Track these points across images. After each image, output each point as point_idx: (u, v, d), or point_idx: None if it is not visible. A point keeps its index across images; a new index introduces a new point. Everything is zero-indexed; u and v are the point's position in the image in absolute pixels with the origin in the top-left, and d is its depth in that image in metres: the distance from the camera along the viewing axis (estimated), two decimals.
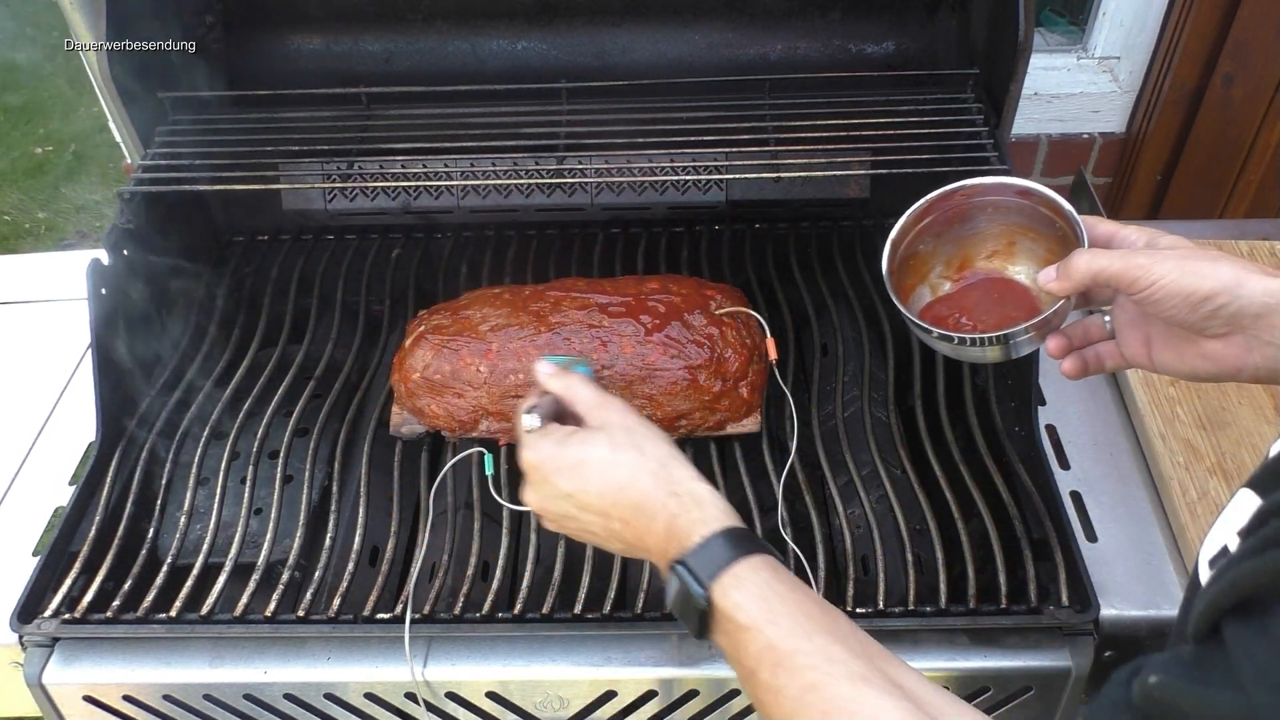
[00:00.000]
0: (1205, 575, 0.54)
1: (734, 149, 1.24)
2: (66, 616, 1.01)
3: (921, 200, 0.88)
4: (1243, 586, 0.47)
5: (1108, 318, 0.84)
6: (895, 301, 0.87)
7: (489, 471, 1.11)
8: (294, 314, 1.35)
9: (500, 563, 1.04)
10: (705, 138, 1.23)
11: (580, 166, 1.28)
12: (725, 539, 0.72)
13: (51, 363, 1.38)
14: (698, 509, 0.75)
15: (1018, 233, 0.90)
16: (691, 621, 0.72)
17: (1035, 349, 0.86)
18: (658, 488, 0.76)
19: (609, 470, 0.78)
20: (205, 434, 1.17)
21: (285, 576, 1.03)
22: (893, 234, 0.89)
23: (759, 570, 0.70)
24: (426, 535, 1.07)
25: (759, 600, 0.68)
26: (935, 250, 0.92)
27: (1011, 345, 0.84)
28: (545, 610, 1.00)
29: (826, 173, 1.22)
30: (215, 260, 1.45)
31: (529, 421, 0.85)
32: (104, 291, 1.17)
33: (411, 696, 1.01)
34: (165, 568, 1.05)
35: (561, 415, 0.88)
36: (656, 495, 0.76)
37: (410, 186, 1.40)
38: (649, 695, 1.01)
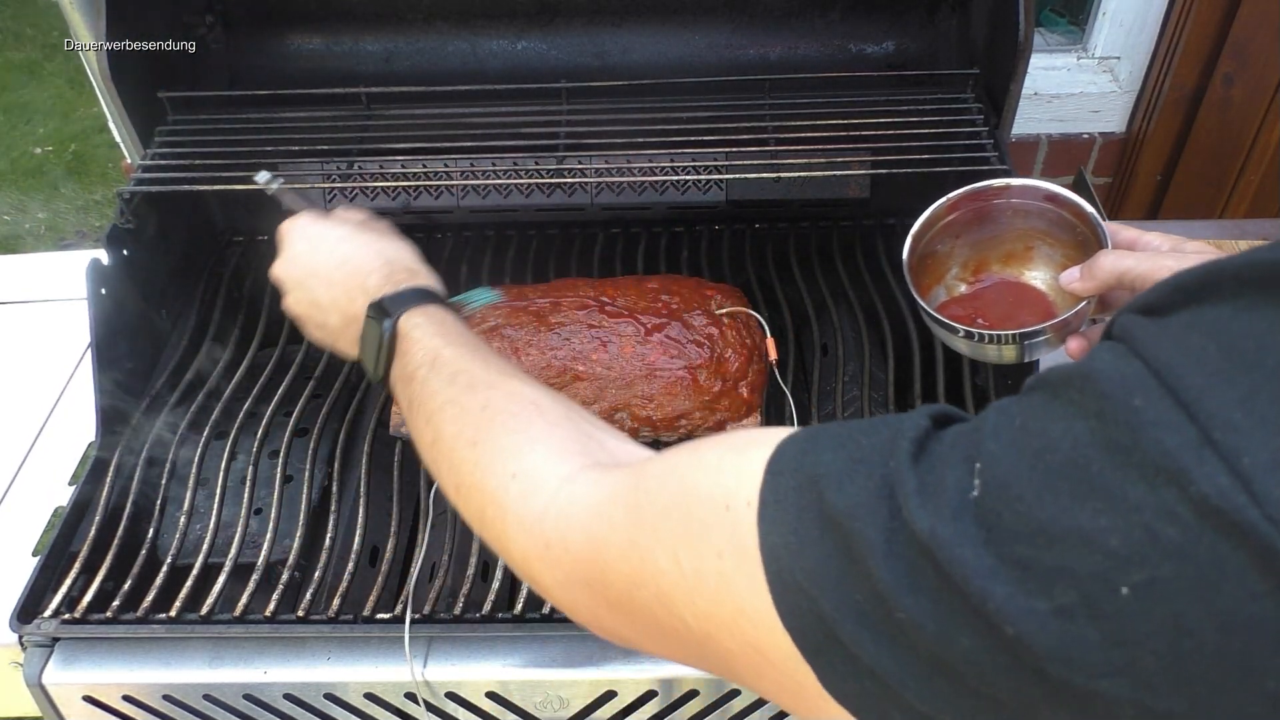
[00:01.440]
0: None
1: (734, 149, 1.24)
2: (66, 617, 1.01)
3: (949, 195, 0.88)
4: (1157, 290, 0.38)
5: None
6: (915, 296, 0.87)
7: None
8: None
9: (501, 563, 1.04)
10: (705, 138, 1.23)
11: (580, 166, 1.28)
12: (424, 292, 0.79)
13: (51, 363, 1.38)
14: (409, 275, 0.82)
15: (1035, 237, 0.90)
16: (373, 360, 0.77)
17: (1051, 352, 0.86)
18: (379, 259, 0.84)
19: (344, 242, 0.88)
20: (205, 434, 1.17)
21: (285, 576, 1.03)
22: (915, 227, 0.88)
23: (448, 312, 0.77)
24: (426, 535, 1.07)
25: (437, 324, 0.74)
26: (952, 251, 0.91)
27: (1030, 346, 0.83)
28: (545, 610, 1.00)
29: (826, 173, 1.22)
30: (215, 260, 1.45)
31: (263, 178, 1.00)
32: (104, 291, 1.17)
33: (411, 696, 1.01)
34: (165, 568, 1.05)
35: None
36: (376, 262, 0.84)
37: (410, 186, 1.39)
38: (649, 695, 1.01)
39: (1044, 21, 1.98)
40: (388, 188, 1.38)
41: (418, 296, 0.78)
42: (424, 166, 1.27)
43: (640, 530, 0.50)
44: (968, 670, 0.36)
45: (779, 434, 0.47)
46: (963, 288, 0.92)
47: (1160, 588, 0.31)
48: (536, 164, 1.25)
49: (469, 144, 1.24)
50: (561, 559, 0.54)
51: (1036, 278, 0.91)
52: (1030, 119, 1.89)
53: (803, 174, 1.23)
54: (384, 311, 0.77)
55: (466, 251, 1.42)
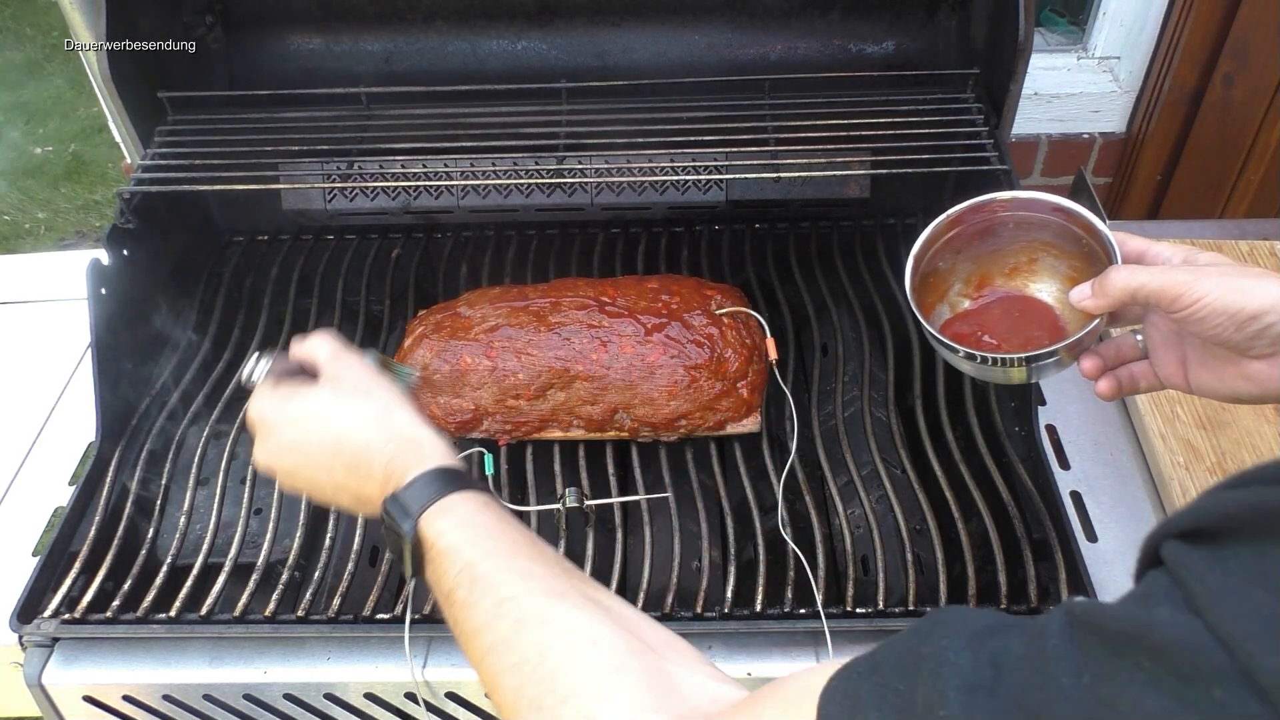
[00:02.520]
0: None
1: (734, 149, 1.24)
2: (66, 617, 1.01)
3: (952, 210, 0.85)
4: (1203, 512, 0.39)
5: (1139, 336, 0.81)
6: (919, 317, 0.83)
7: (489, 471, 1.11)
8: (294, 314, 1.35)
9: None
10: (705, 138, 1.23)
11: (580, 166, 1.28)
12: (437, 475, 0.72)
13: (51, 363, 1.38)
14: (415, 450, 0.74)
15: (1040, 249, 0.88)
16: (402, 559, 0.71)
17: (1061, 372, 0.83)
18: (378, 433, 0.76)
19: (330, 420, 0.77)
20: (205, 434, 1.17)
21: (285, 576, 1.03)
22: (915, 248, 0.85)
23: (467, 501, 0.71)
24: None
25: (461, 526, 0.69)
26: (954, 267, 0.89)
27: (1039, 368, 0.81)
28: None
29: (826, 173, 1.22)
30: (215, 260, 1.45)
31: (250, 370, 0.82)
32: (104, 291, 1.17)
33: (411, 696, 1.01)
34: (165, 568, 1.05)
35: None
36: (376, 441, 0.75)
37: (410, 186, 1.39)
38: None
39: (1044, 21, 1.98)
40: (388, 188, 1.38)
41: (433, 485, 0.72)
42: (424, 166, 1.27)
43: None
44: None
45: (820, 686, 0.48)
46: (966, 303, 0.90)
47: None
48: (536, 164, 1.25)
49: (469, 144, 1.24)
50: None
51: (1042, 290, 0.88)
52: (1030, 119, 1.89)
53: (803, 174, 1.23)
54: (404, 510, 0.71)
55: (466, 251, 1.42)
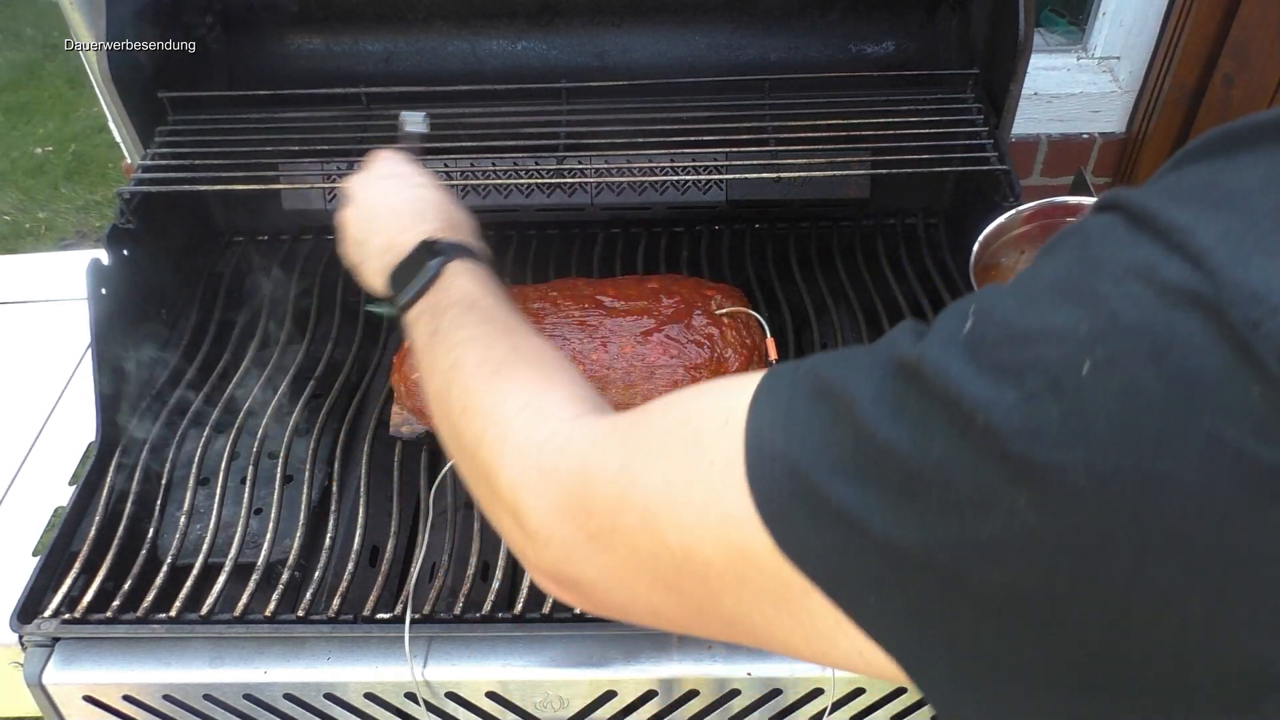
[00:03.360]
0: None
1: (734, 149, 1.24)
2: (66, 616, 1.01)
3: (1025, 206, 0.86)
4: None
5: None
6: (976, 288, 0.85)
7: None
8: (294, 314, 1.35)
9: (500, 563, 1.04)
10: (705, 138, 1.23)
11: (580, 166, 1.28)
12: (477, 253, 0.83)
13: (51, 363, 1.38)
14: (468, 238, 0.86)
15: None
16: (404, 287, 0.79)
17: None
18: (448, 217, 0.88)
19: (426, 190, 0.92)
20: (205, 434, 1.17)
21: (285, 576, 1.03)
22: (984, 234, 0.86)
23: (493, 278, 0.81)
24: (426, 535, 1.07)
25: (482, 282, 0.78)
26: (1016, 266, 0.90)
27: None
28: (545, 610, 1.00)
29: (826, 173, 1.22)
30: (215, 260, 1.45)
31: (414, 121, 1.03)
32: (104, 291, 1.17)
33: (411, 696, 1.01)
34: (165, 568, 1.05)
35: None
36: (445, 217, 0.88)
37: None
38: (649, 695, 1.01)
39: (1044, 21, 1.98)
40: None
41: (471, 254, 0.82)
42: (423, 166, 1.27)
43: (634, 455, 0.51)
44: (935, 476, 0.37)
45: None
46: None
47: (1118, 359, 0.33)
48: (536, 164, 1.26)
49: (469, 144, 1.24)
50: (550, 488, 0.55)
51: None
52: (1030, 119, 1.89)
53: (803, 174, 1.23)
54: (435, 251, 0.80)
55: None
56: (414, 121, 1.03)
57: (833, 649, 0.44)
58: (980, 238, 0.86)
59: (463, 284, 0.77)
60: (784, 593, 0.44)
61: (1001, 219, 0.86)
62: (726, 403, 0.47)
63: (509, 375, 0.65)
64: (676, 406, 0.52)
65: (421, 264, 0.80)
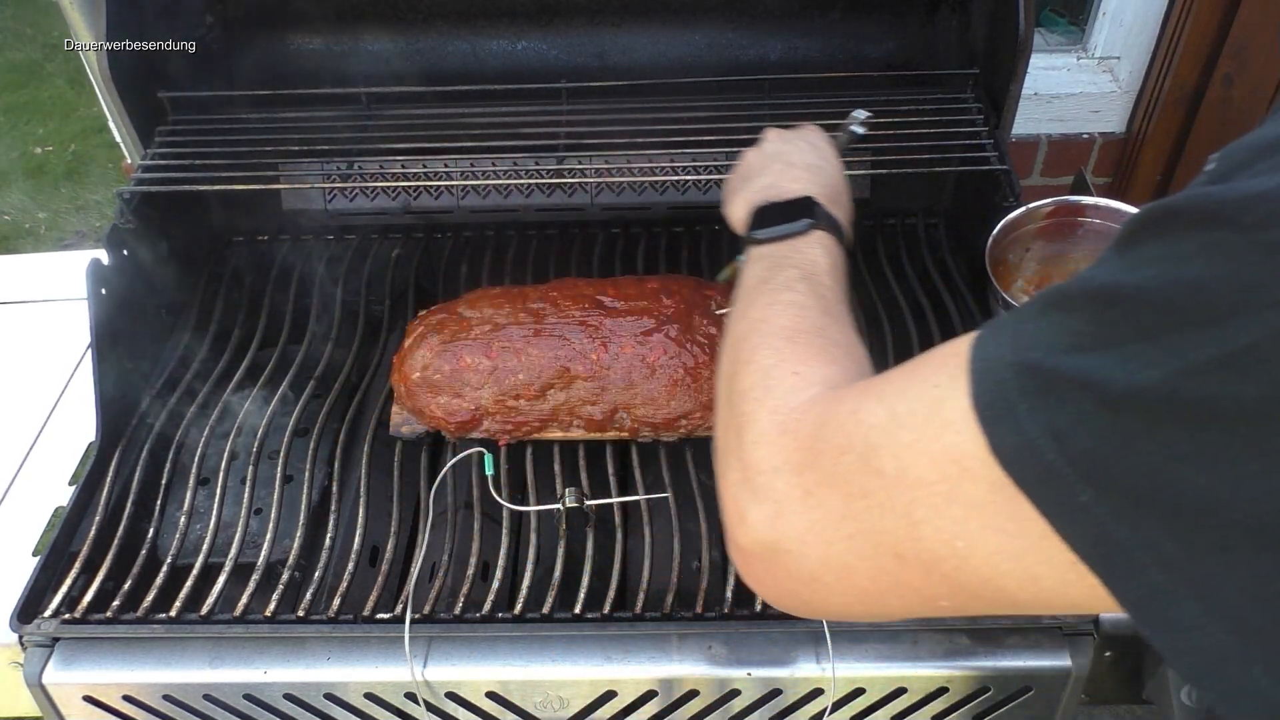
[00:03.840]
0: None
1: (734, 149, 1.24)
2: (66, 616, 1.01)
3: (1046, 201, 0.87)
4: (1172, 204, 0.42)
5: None
6: (993, 283, 0.86)
7: (489, 471, 1.11)
8: (294, 314, 1.35)
9: (500, 563, 1.04)
10: (705, 138, 1.23)
11: (580, 166, 1.28)
12: (843, 233, 0.84)
13: (51, 363, 1.38)
14: (844, 215, 0.87)
15: None
16: (765, 226, 0.82)
17: None
18: (835, 194, 0.89)
19: (830, 164, 0.95)
20: (205, 434, 1.17)
21: (285, 576, 1.03)
22: (996, 230, 0.87)
23: (846, 264, 0.82)
24: (426, 535, 1.07)
25: (834, 263, 0.80)
26: (1021, 264, 0.91)
27: None
28: (545, 610, 1.00)
29: None
30: (215, 260, 1.45)
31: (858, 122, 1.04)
32: (104, 291, 1.17)
33: (411, 696, 1.01)
34: (165, 568, 1.05)
35: None
36: (831, 189, 0.89)
37: (410, 186, 1.39)
38: (649, 695, 1.01)
39: (1044, 21, 1.98)
40: (388, 188, 1.38)
41: (839, 233, 0.83)
42: (424, 166, 1.27)
43: (864, 398, 0.53)
44: (1190, 299, 0.38)
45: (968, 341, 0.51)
46: (1025, 299, 0.92)
47: None
48: (536, 164, 1.26)
49: (469, 144, 1.24)
50: (786, 444, 0.57)
51: None
52: (1030, 119, 1.89)
53: None
54: (812, 211, 0.83)
55: (466, 251, 1.42)
56: (858, 120, 1.05)
57: (1044, 566, 0.43)
58: (1000, 224, 0.87)
59: (815, 254, 0.79)
60: (993, 500, 0.44)
61: (1017, 213, 0.87)
62: (953, 345, 0.50)
63: (802, 346, 0.67)
64: (909, 362, 0.54)
65: (794, 214, 0.83)
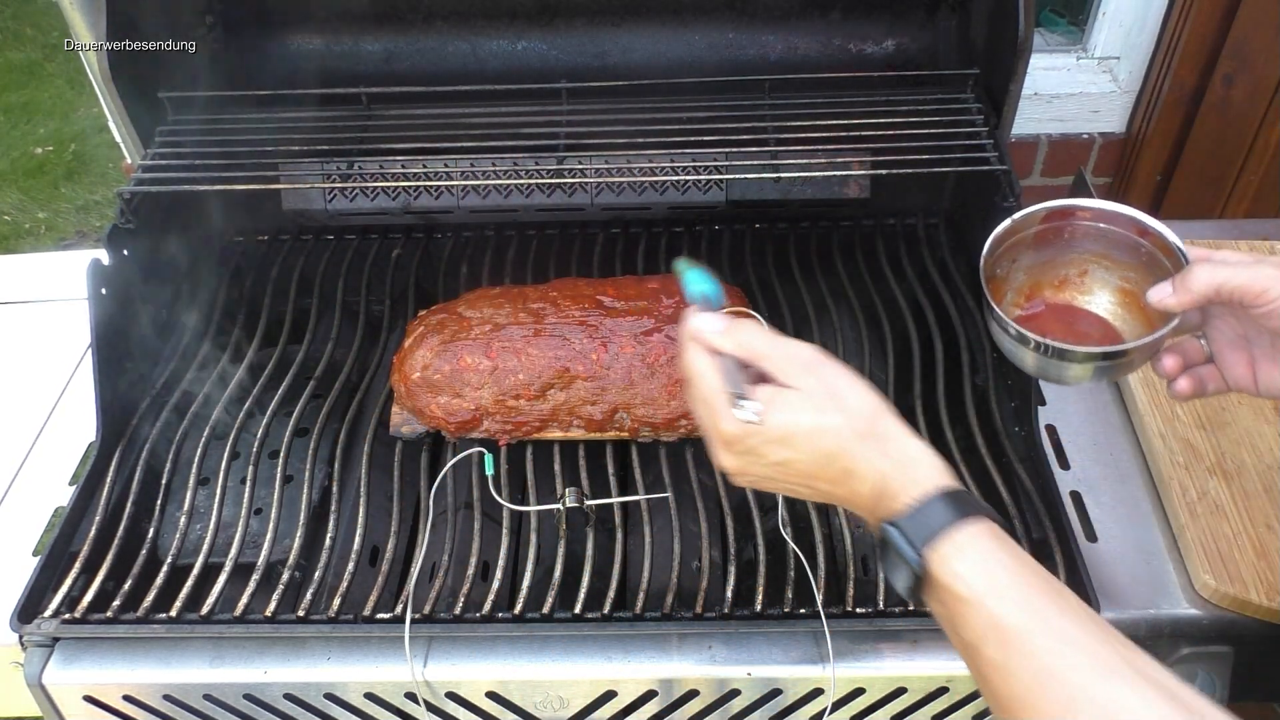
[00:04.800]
0: None
1: (734, 149, 1.24)
2: (66, 616, 1.01)
3: (1038, 207, 0.85)
4: None
5: (1203, 339, 0.81)
6: (990, 303, 0.83)
7: (489, 471, 1.11)
8: (294, 314, 1.35)
9: (500, 563, 1.04)
10: (705, 138, 1.23)
11: (580, 166, 1.28)
12: (942, 502, 0.68)
13: (51, 363, 1.38)
14: (910, 468, 0.70)
15: (1091, 261, 0.89)
16: (903, 585, 0.69)
17: (1127, 375, 0.83)
18: (867, 450, 0.71)
19: (816, 439, 0.73)
20: (205, 434, 1.17)
21: (285, 576, 1.03)
22: (996, 232, 0.86)
23: (980, 538, 0.66)
24: (426, 535, 1.07)
25: (979, 573, 0.64)
26: (1009, 275, 0.90)
27: (1109, 366, 0.81)
28: (545, 610, 1.00)
29: (826, 173, 1.22)
30: (215, 260, 1.45)
31: (747, 413, 0.74)
32: (104, 291, 1.17)
33: (411, 696, 1.01)
34: (165, 568, 1.05)
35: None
36: (865, 458, 0.71)
37: (410, 186, 1.39)
38: (649, 695, 1.01)
39: (1044, 21, 1.98)
40: (388, 188, 1.38)
41: (937, 514, 0.68)
42: (424, 166, 1.27)
43: None
44: None
45: None
46: (1017, 312, 0.92)
47: None
48: (536, 164, 1.25)
49: (469, 144, 1.24)
50: None
51: (1089, 303, 0.89)
52: (1030, 119, 1.89)
53: (803, 174, 1.23)
54: (906, 539, 0.68)
55: (466, 251, 1.42)
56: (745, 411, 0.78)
57: None
58: (991, 237, 0.86)
59: (966, 594, 0.65)
60: None
61: (1017, 216, 0.86)
62: None
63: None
64: None
65: (900, 560, 0.68)
